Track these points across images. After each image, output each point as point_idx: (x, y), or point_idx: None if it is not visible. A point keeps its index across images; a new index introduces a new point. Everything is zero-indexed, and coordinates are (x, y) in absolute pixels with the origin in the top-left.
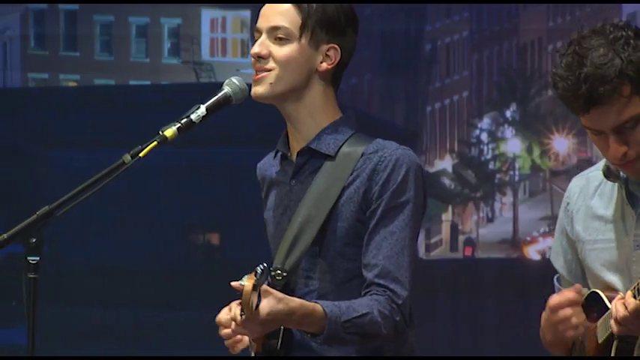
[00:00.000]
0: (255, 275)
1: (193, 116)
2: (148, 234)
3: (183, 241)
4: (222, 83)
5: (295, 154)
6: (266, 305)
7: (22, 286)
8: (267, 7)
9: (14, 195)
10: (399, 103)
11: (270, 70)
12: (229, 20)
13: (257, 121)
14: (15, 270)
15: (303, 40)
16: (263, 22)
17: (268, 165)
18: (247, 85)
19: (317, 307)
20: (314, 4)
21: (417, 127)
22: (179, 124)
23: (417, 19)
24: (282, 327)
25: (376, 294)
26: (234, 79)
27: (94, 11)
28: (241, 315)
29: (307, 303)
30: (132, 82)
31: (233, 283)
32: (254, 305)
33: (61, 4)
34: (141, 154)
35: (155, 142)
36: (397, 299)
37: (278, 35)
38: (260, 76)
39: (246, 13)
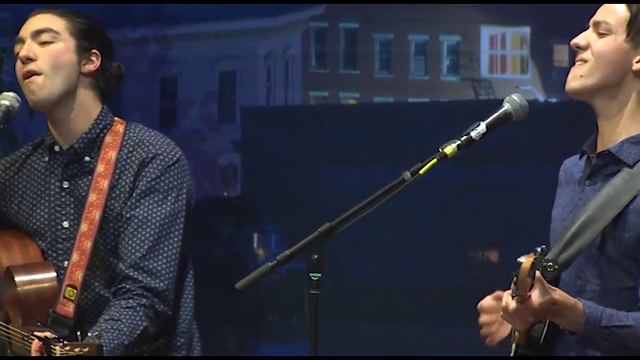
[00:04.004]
0: (535, 254)
1: (473, 133)
2: (427, 251)
3: (461, 258)
4: (501, 100)
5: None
6: (539, 294)
7: (303, 302)
8: (605, 4)
9: (295, 210)
10: None
11: (585, 61)
12: (509, 37)
13: (534, 137)
14: (296, 286)
15: (624, 37)
16: (595, 16)
17: (573, 164)
18: (527, 101)
19: (578, 304)
20: None
21: None
22: (459, 142)
23: None
24: (546, 320)
25: None
26: (514, 96)
27: (373, 29)
28: (513, 296)
29: (569, 297)
30: (411, 100)
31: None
32: (529, 285)
33: (341, 23)
34: (421, 172)
35: (435, 160)
36: None
37: (600, 30)
38: (575, 67)
39: (525, 30)
